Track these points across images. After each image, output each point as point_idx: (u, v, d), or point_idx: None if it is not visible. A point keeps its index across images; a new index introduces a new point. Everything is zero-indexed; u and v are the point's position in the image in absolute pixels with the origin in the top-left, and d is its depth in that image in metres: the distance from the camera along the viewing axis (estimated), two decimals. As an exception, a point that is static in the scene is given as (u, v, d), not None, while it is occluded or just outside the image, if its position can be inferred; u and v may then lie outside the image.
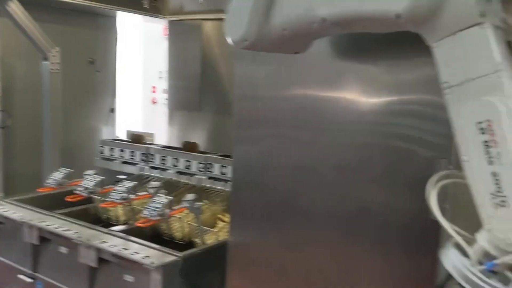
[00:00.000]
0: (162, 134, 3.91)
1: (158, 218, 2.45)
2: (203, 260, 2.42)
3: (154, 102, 5.34)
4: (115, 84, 4.11)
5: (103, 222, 2.99)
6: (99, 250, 2.40)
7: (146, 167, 3.37)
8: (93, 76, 3.93)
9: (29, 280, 2.79)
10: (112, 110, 4.09)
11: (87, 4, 3.29)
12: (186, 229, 2.74)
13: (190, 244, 2.71)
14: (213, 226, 2.78)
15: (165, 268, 2.19)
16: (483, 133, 1.10)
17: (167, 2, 3.68)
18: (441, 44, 1.18)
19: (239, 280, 2.19)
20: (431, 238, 1.60)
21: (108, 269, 2.43)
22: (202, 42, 3.55)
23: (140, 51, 5.32)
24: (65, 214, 2.85)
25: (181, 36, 3.73)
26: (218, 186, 2.97)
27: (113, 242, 2.44)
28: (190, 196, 2.50)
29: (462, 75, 1.15)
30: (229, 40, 1.55)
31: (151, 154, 3.37)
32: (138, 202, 2.82)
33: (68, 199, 2.88)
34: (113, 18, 3.98)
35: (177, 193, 2.89)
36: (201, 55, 3.57)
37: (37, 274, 2.76)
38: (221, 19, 2.68)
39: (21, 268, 2.83)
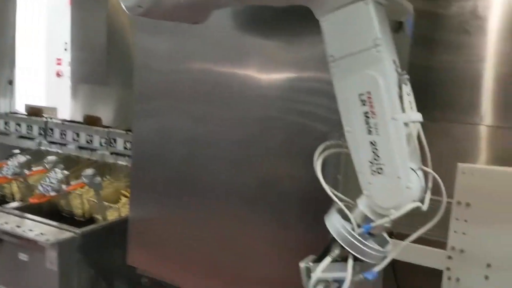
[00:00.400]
0: (65, 108, 3.73)
1: (53, 194, 2.36)
2: (104, 237, 2.38)
3: (59, 75, 5.06)
4: (14, 54, 3.86)
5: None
6: (-10, 228, 2.28)
7: (44, 142, 3.21)
8: (-12, 45, 3.66)
9: None
10: (11, 82, 3.84)
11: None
12: (86, 206, 2.65)
13: (91, 221, 2.63)
14: (116, 202, 2.72)
15: (61, 245, 2.14)
16: (363, 104, 1.16)
17: (69, -34, 3.48)
18: (327, 18, 1.21)
19: (140, 256, 2.16)
20: (328, 207, 1.67)
21: (2, 248, 2.33)
22: (108, 11, 3.40)
23: (44, 20, 5.01)
24: (-47, 192, 2.67)
25: (85, 4, 3.54)
26: (122, 161, 2.89)
27: (6, 220, 2.34)
28: (89, 171, 2.42)
29: (345, 49, 1.19)
30: (123, 6, 1.50)
31: (50, 129, 3.21)
32: (34, 178, 2.68)
33: (-46, 175, 2.68)
34: (10, -18, 3.71)
35: (77, 168, 2.78)
36: (107, 25, 3.41)
37: None
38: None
39: None
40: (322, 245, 1.70)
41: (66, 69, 4.41)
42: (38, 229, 2.24)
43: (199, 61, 1.95)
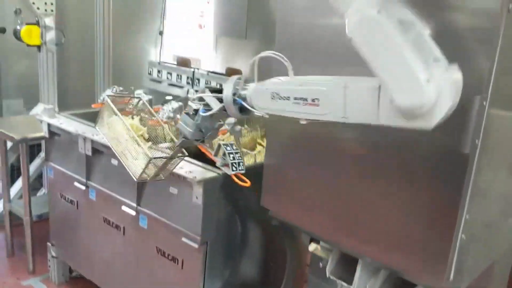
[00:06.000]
0: (208, 59, 4.00)
1: (200, 139, 2.59)
2: (241, 180, 2.59)
3: (201, 27, 5.39)
4: (164, 6, 4.19)
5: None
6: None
7: (191, 89, 3.51)
8: (142, -2, 4.02)
9: (83, 187, 3.07)
10: (161, 33, 4.20)
11: None
12: (227, 150, 2.89)
13: (229, 165, 2.87)
14: (253, 150, 2.93)
15: (206, 183, 2.38)
16: None
17: None
18: None
19: (273, 200, 2.34)
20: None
21: (154, 182, 2.63)
22: (250, -34, 3.52)
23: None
24: (116, 130, 3.05)
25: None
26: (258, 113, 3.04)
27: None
28: (231, 120, 2.60)
29: None
30: None
31: (197, 79, 3.48)
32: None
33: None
34: None
35: (219, 116, 3.01)
36: (248, -19, 3.55)
37: (90, 183, 3.02)
38: None
39: (76, 176, 3.10)
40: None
41: (208, 21, 4.70)
42: (187, 167, 2.51)
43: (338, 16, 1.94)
